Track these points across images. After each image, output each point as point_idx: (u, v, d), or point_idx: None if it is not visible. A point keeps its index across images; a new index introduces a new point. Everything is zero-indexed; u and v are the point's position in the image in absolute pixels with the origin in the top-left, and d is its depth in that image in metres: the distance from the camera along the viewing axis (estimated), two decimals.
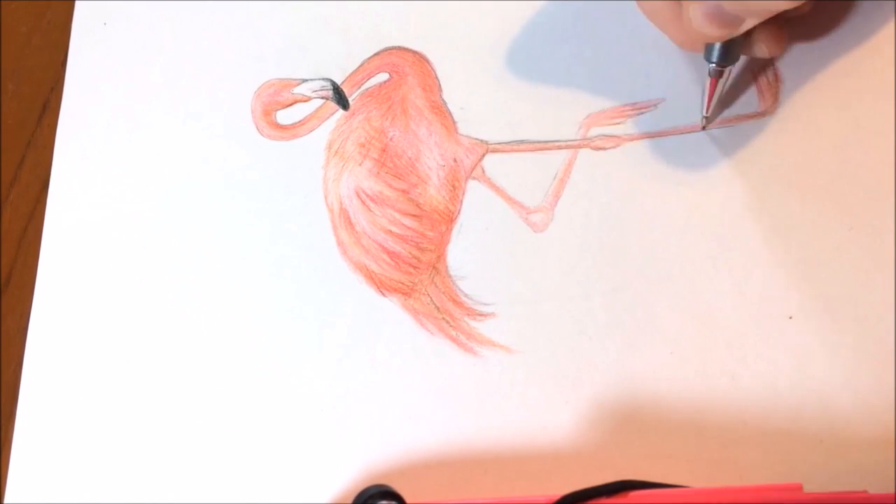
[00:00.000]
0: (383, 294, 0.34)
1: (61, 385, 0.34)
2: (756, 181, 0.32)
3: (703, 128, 0.33)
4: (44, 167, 0.37)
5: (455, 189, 0.35)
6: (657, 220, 0.33)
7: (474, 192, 0.35)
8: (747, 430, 0.30)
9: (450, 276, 0.34)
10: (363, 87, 0.37)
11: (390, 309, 0.34)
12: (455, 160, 0.36)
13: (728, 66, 0.32)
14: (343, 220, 0.35)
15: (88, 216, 0.36)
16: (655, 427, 0.30)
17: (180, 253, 0.36)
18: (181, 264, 0.35)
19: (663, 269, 0.32)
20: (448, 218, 0.35)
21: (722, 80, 0.32)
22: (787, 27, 0.32)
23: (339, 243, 0.35)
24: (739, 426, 0.30)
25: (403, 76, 0.37)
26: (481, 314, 0.33)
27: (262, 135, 0.37)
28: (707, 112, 0.33)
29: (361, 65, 0.38)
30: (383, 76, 0.37)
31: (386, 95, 0.37)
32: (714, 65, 0.32)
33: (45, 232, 0.36)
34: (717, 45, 0.31)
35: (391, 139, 0.36)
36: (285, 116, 0.38)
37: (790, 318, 0.31)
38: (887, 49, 0.33)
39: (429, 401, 0.32)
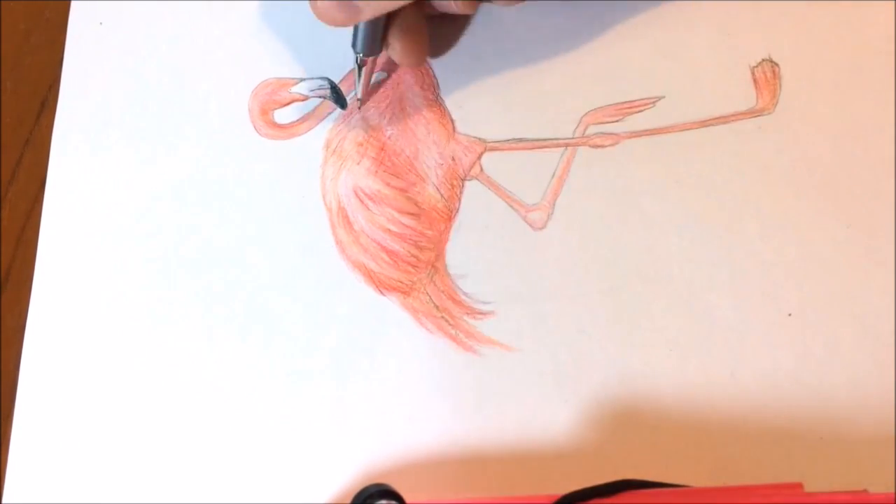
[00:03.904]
0: (382, 293, 0.34)
1: (59, 384, 0.34)
2: (754, 178, 0.32)
3: (359, 108, 0.37)
4: (42, 166, 0.37)
5: (453, 187, 0.35)
6: (656, 217, 0.33)
7: (473, 191, 0.35)
8: (747, 429, 0.29)
9: (449, 275, 0.34)
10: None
11: (389, 308, 0.34)
12: (453, 158, 0.35)
13: (369, 56, 0.34)
14: (341, 218, 0.35)
15: (86, 215, 0.36)
16: (655, 426, 0.30)
17: (178, 252, 0.35)
18: (179, 263, 0.35)
19: (662, 267, 0.32)
20: (447, 216, 0.35)
21: (367, 68, 0.35)
22: (423, 37, 0.35)
23: (338, 242, 0.35)
24: (739, 425, 0.30)
25: (401, 75, 0.37)
26: (481, 313, 0.33)
27: (259, 134, 0.37)
28: (359, 95, 0.36)
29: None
30: (381, 75, 0.37)
31: (384, 94, 0.37)
32: (358, 54, 0.34)
33: (42, 230, 0.36)
34: (360, 35, 0.34)
35: (389, 138, 0.36)
36: (283, 116, 0.38)
37: (789, 315, 0.31)
38: (887, 47, 0.33)
39: (428, 400, 0.32)
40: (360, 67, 0.35)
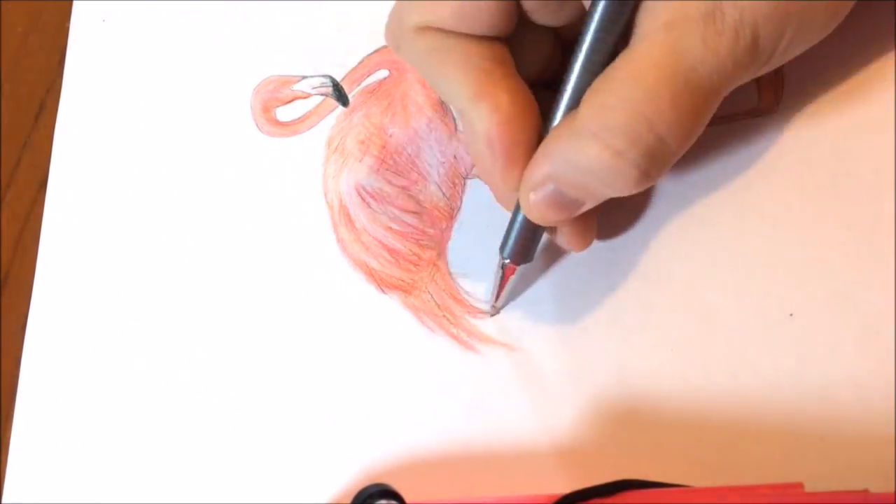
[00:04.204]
0: (384, 291, 0.34)
1: (59, 387, 0.34)
2: (756, 178, 0.32)
3: (491, 315, 0.33)
4: (40, 169, 0.37)
5: (455, 186, 0.35)
6: (656, 216, 0.33)
7: (475, 190, 0.35)
8: (748, 429, 0.29)
9: (450, 274, 0.34)
10: (363, 84, 0.37)
11: (391, 306, 0.34)
12: (455, 157, 0.35)
13: (519, 264, 0.31)
14: (343, 217, 0.35)
15: (87, 216, 0.36)
16: (656, 425, 0.30)
17: (180, 252, 0.36)
18: (180, 263, 0.35)
19: (663, 267, 0.32)
20: (448, 215, 0.35)
21: (513, 278, 0.31)
22: (593, 223, 0.31)
23: (340, 240, 0.35)
24: (740, 424, 0.30)
25: (403, 73, 0.37)
26: (482, 312, 0.33)
27: (261, 132, 0.37)
28: (496, 302, 0.32)
29: (361, 61, 0.37)
30: (383, 73, 0.37)
31: (386, 92, 0.37)
32: (508, 261, 0.31)
33: (42, 233, 0.36)
34: (515, 239, 0.30)
35: (391, 136, 0.36)
36: (285, 113, 0.38)
37: (791, 315, 0.31)
38: (888, 48, 0.33)
39: (429, 399, 0.32)
40: (503, 273, 0.31)
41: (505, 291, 0.32)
